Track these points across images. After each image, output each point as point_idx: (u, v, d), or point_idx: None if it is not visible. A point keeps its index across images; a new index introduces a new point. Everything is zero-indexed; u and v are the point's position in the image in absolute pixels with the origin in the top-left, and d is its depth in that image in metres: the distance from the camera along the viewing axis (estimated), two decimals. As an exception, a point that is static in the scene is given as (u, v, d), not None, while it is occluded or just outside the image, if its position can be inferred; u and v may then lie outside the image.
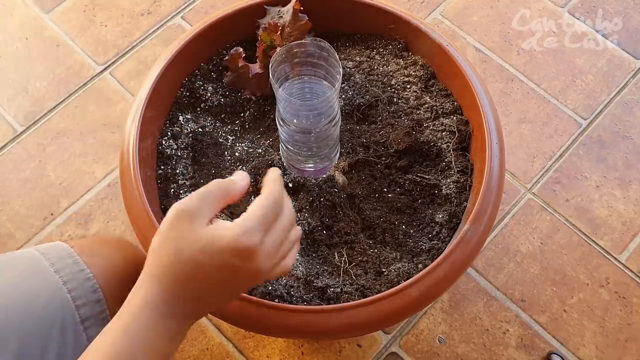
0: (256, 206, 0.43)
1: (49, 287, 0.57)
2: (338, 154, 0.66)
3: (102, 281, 0.61)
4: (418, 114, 0.69)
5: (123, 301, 0.64)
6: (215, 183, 0.44)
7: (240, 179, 0.46)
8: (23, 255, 0.57)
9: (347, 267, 0.60)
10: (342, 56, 0.74)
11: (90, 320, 0.59)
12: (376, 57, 0.73)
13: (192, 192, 0.43)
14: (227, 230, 0.41)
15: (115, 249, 0.63)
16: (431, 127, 0.68)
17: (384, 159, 0.65)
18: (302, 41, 0.55)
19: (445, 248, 0.60)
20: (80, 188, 1.09)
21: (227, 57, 0.69)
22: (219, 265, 0.41)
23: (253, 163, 0.66)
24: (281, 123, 0.59)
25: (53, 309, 0.56)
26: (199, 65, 0.72)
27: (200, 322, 0.96)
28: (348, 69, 0.72)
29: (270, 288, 0.57)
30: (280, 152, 0.66)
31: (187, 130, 0.68)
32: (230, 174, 0.66)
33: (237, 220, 0.42)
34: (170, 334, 0.43)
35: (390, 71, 0.72)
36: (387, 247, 0.62)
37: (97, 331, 0.59)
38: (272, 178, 0.46)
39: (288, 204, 0.47)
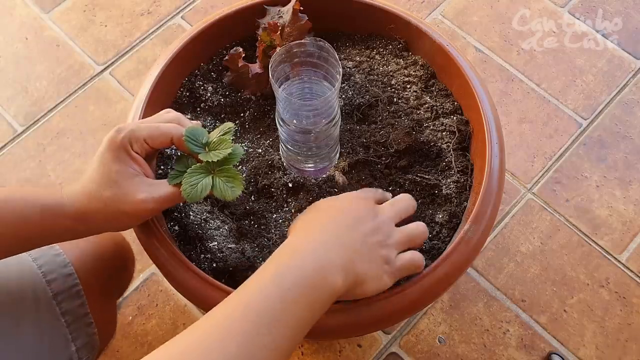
0: None
1: (18, 263, 0.58)
2: (338, 154, 0.66)
3: (72, 256, 0.63)
4: (418, 114, 0.68)
5: (95, 274, 0.66)
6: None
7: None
8: None
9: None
10: (342, 56, 0.74)
11: (63, 295, 0.61)
12: (376, 57, 0.73)
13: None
14: None
15: None
16: (431, 127, 0.68)
17: (384, 159, 0.65)
18: (302, 41, 0.55)
19: (445, 248, 0.60)
20: (80, 188, 1.08)
21: (227, 57, 0.69)
22: (345, 197, 0.55)
23: (253, 163, 0.66)
24: (281, 123, 0.59)
25: (23, 284, 0.58)
26: (199, 65, 0.72)
27: (200, 322, 0.96)
28: (348, 69, 0.72)
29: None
30: (280, 152, 0.66)
31: (187, 130, 0.68)
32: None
33: None
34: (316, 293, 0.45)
35: (390, 71, 0.72)
36: (387, 247, 0.62)
37: (70, 305, 0.61)
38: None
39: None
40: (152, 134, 0.52)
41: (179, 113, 0.57)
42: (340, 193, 0.63)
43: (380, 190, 0.59)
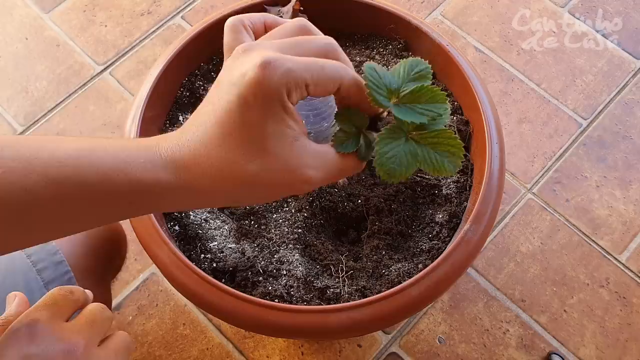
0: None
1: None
2: (338, 154, 0.66)
3: (61, 242, 0.61)
4: (418, 114, 0.68)
5: (86, 259, 0.63)
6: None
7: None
8: None
9: (344, 274, 0.60)
10: (342, 56, 0.74)
11: (55, 283, 0.59)
12: (376, 57, 0.73)
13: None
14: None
15: None
16: (431, 127, 0.68)
17: (384, 159, 0.65)
18: (302, 41, 0.55)
19: (445, 248, 0.60)
20: (80, 188, 1.08)
21: (227, 57, 0.69)
22: None
23: (253, 163, 0.66)
24: (281, 123, 0.59)
25: (13, 275, 0.57)
26: (199, 65, 0.72)
27: (200, 322, 0.96)
28: (348, 69, 0.72)
29: (270, 288, 0.57)
30: (280, 152, 0.66)
31: (187, 130, 0.68)
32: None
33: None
34: None
35: (390, 71, 0.72)
36: (387, 247, 0.62)
37: None
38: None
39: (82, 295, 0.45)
40: (318, 77, 0.34)
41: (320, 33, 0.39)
42: (341, 193, 0.63)
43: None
